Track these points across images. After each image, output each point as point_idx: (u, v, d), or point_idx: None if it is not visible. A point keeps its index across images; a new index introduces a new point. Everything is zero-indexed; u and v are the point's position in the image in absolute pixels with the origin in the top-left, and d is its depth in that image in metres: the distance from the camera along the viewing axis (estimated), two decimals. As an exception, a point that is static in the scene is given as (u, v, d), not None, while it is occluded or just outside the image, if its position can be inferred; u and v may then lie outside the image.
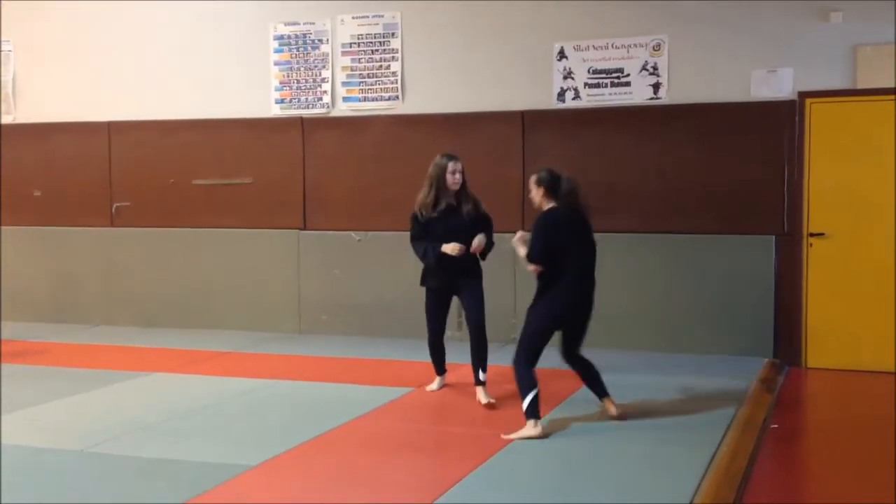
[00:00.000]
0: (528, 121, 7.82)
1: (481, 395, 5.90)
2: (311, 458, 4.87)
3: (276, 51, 8.55)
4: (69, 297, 9.20)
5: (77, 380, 6.77)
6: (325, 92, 8.43)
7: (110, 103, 9.03)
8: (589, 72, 7.66)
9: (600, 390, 5.55)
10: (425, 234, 5.92)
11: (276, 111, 8.60)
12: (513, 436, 5.08)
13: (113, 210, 9.06)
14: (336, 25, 8.35)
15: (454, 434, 5.33)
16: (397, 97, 8.22)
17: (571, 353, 5.53)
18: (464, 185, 5.95)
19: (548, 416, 5.46)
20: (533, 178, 5.48)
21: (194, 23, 8.77)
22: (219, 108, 8.73)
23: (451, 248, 5.83)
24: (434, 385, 6.27)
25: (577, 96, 7.70)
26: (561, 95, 7.75)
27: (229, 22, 8.67)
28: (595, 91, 7.67)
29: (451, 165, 5.89)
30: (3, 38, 9.30)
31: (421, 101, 8.16)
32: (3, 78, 9.35)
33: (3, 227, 9.29)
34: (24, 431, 5.39)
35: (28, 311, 9.20)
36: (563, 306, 5.33)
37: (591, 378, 5.55)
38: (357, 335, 8.21)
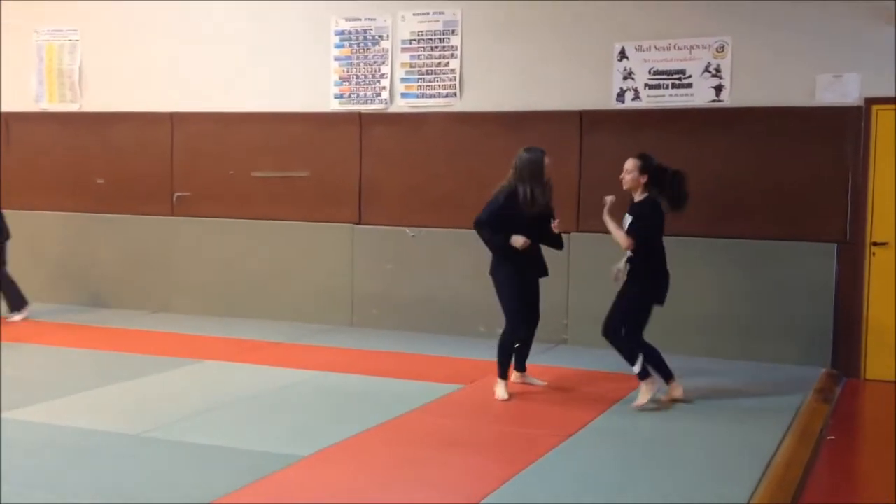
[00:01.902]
0: (587, 121, 7.77)
1: (533, 380, 6.21)
2: (362, 451, 4.90)
3: (337, 46, 8.61)
4: (129, 284, 9.36)
5: (134, 365, 6.90)
6: (383, 88, 8.47)
7: (173, 94, 9.17)
8: (650, 72, 7.58)
9: (667, 373, 5.85)
10: (499, 223, 5.94)
11: (334, 106, 8.66)
12: (640, 402, 5.68)
13: (174, 199, 9.20)
14: (396, 22, 8.38)
15: (505, 432, 5.32)
16: (455, 94, 8.23)
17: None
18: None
19: (604, 414, 5.49)
20: (637, 163, 5.80)
21: (257, 16, 8.87)
22: (279, 101, 8.82)
23: (520, 242, 5.87)
24: (502, 392, 5.95)
25: (636, 97, 7.63)
26: (620, 96, 7.68)
27: (291, 16, 8.75)
28: (655, 92, 7.59)
29: (547, 160, 6.01)
30: (71, 28, 9.48)
31: (479, 98, 8.15)
32: (70, 66, 9.54)
33: (67, 213, 9.47)
34: (81, 414, 5.52)
35: (88, 296, 9.38)
36: (662, 286, 5.84)
37: (659, 360, 5.83)
38: (408, 330, 8.23)
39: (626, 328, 5.76)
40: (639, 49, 7.60)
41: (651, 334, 5.73)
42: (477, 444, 5.12)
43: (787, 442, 5.14)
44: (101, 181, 9.45)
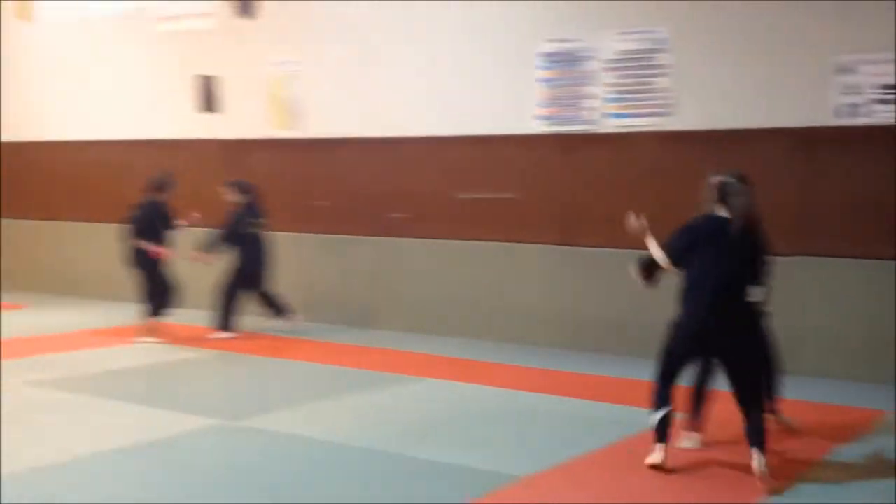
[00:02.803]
0: (805, 138, 7.48)
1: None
2: (582, 475, 4.91)
3: (541, 67, 8.72)
4: (347, 301, 9.82)
5: (353, 379, 7.26)
6: (589, 109, 8.50)
7: (387, 119, 9.58)
8: (878, 87, 7.19)
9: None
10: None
11: (539, 128, 8.77)
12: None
13: (389, 221, 9.60)
14: (603, 42, 8.40)
15: (731, 462, 5.16)
16: (664, 114, 8.14)
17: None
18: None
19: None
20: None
21: (464, 43, 9.13)
22: (485, 124, 9.03)
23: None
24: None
25: (862, 113, 7.26)
26: (844, 112, 7.33)
27: (498, 40, 8.95)
28: (884, 108, 7.17)
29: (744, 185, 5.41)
30: (295, 59, 10.11)
31: (689, 117, 8.02)
32: (293, 95, 10.16)
33: (294, 234, 10.03)
34: (307, 425, 5.86)
35: (310, 312, 9.87)
36: (682, 326, 5.11)
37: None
38: (615, 354, 8.14)
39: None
40: (865, 62, 7.22)
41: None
42: (703, 473, 4.99)
43: None
44: (322, 203, 9.98)
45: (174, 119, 10.93)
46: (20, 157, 12.12)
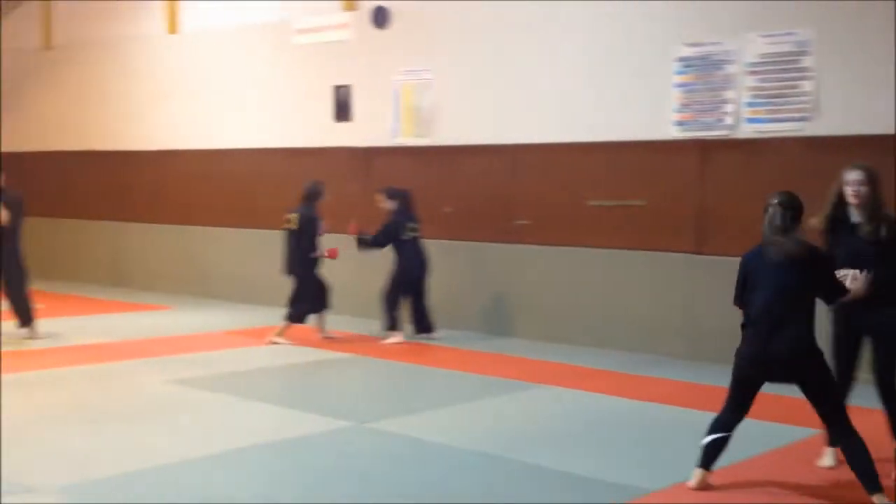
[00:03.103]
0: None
1: None
2: (715, 492, 4.73)
3: (678, 72, 8.50)
4: (468, 307, 9.83)
5: (481, 385, 7.25)
6: (727, 113, 8.23)
7: (515, 127, 9.55)
8: None
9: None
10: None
11: (674, 133, 8.55)
12: None
13: (514, 227, 9.56)
14: (743, 45, 8.12)
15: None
16: (807, 118, 7.79)
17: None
18: (871, 201, 4.98)
19: None
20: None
21: (597, 48, 9.01)
22: (617, 130, 8.87)
23: (849, 279, 4.83)
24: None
25: None
26: None
27: (632, 44, 8.78)
28: None
29: (851, 175, 5.04)
30: (425, 68, 10.21)
31: (834, 121, 7.66)
32: (422, 104, 10.27)
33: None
34: (439, 430, 5.86)
35: (438, 316, 9.91)
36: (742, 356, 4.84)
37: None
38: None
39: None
40: None
41: None
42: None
43: None
44: (448, 210, 10.04)
45: (309, 127, 11.21)
46: (164, 166, 12.69)
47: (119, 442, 5.47)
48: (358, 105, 10.77)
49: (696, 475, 4.72)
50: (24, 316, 8.69)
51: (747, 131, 8.13)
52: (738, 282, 4.81)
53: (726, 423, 4.72)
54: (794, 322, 4.53)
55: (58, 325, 9.46)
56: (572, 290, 9.14)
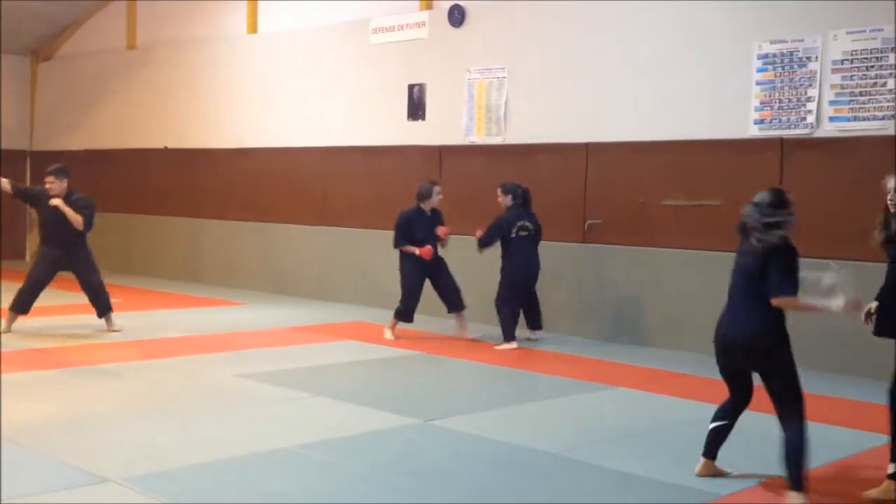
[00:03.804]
0: None
1: None
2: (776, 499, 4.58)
3: (759, 70, 8.28)
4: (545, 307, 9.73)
5: (547, 385, 7.17)
6: (809, 111, 7.98)
7: (590, 125, 9.43)
8: None
9: None
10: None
11: (753, 132, 8.33)
12: None
13: (585, 227, 9.43)
14: (828, 42, 7.86)
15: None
16: (893, 116, 7.50)
17: None
18: None
19: None
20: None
21: (675, 46, 8.83)
22: (693, 128, 8.69)
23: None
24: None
25: None
26: None
27: (712, 42, 8.59)
28: None
29: (890, 183, 4.83)
30: (499, 66, 10.15)
31: (921, 120, 7.36)
32: (497, 102, 10.22)
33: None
34: (504, 429, 5.81)
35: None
36: None
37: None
38: (822, 370, 7.57)
39: None
40: None
41: None
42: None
43: None
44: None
45: (382, 126, 11.26)
46: (239, 164, 12.89)
47: (187, 434, 5.55)
48: (431, 104, 10.77)
49: (700, 463, 4.83)
50: (103, 306, 8.91)
51: (829, 130, 7.87)
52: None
53: (722, 410, 4.85)
54: (750, 307, 4.60)
55: (134, 319, 9.69)
56: (645, 291, 8.98)
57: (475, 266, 9.48)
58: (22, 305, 8.62)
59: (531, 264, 8.75)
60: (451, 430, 5.73)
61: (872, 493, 4.65)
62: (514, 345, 8.53)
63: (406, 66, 10.98)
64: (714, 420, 4.84)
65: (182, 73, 13.73)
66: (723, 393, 6.83)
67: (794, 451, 4.42)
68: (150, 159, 14.05)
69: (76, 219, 8.48)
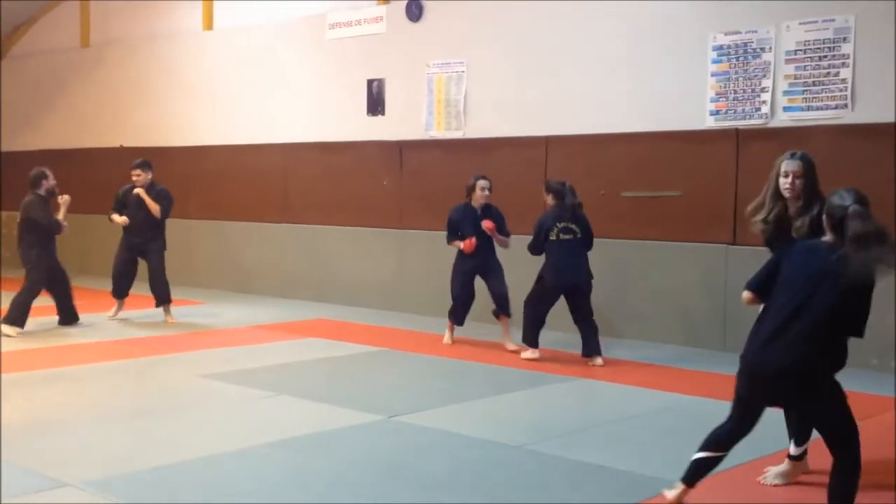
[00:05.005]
0: None
1: None
2: (736, 488, 4.64)
3: (714, 61, 8.37)
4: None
5: (513, 379, 7.19)
6: (763, 102, 8.09)
7: (549, 118, 9.47)
8: None
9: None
10: None
11: (709, 123, 8.42)
12: None
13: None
14: (780, 32, 7.97)
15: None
16: (846, 105, 7.63)
17: None
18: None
19: None
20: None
21: (633, 38, 8.89)
22: (650, 121, 8.77)
23: None
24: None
25: None
26: None
27: (667, 34, 8.67)
28: None
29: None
30: (458, 60, 10.15)
31: (873, 109, 7.49)
32: (456, 97, 10.22)
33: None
34: (468, 423, 5.83)
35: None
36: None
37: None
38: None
39: None
40: None
41: None
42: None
43: None
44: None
45: (341, 122, 11.21)
46: (198, 161, 12.77)
47: (149, 436, 5.50)
48: (391, 99, 10.75)
49: (677, 489, 4.05)
50: (163, 297, 9.64)
51: (784, 120, 7.98)
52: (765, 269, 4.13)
53: (720, 439, 4.06)
54: (810, 336, 3.76)
55: (93, 320, 9.58)
56: (607, 284, 9.04)
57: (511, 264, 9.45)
58: (117, 291, 9.72)
59: (571, 273, 7.64)
60: (415, 426, 5.73)
61: (772, 472, 4.68)
62: (535, 353, 7.76)
63: (364, 61, 10.94)
64: (707, 449, 4.04)
65: (138, 71, 13.56)
66: (684, 383, 6.95)
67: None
68: (106, 158, 13.86)
69: (154, 207, 9.38)
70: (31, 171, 8.98)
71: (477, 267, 8.33)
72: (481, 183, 8.29)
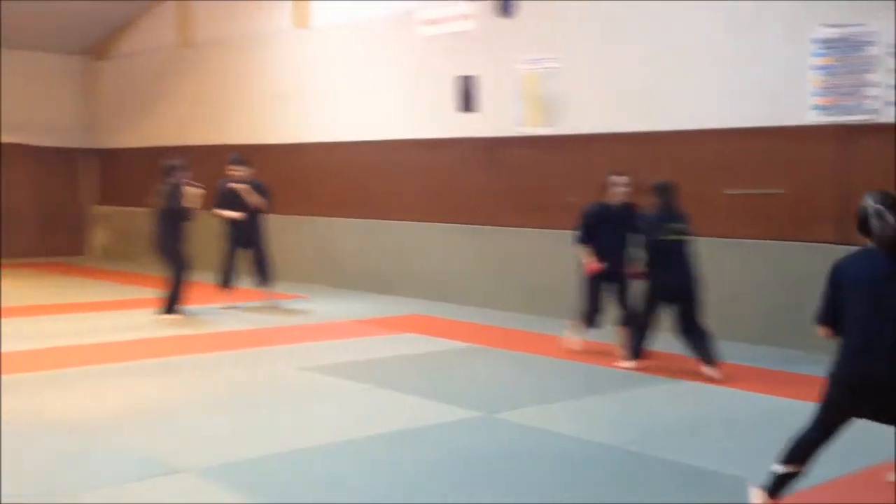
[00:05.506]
0: None
1: None
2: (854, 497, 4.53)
3: (817, 54, 8.14)
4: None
5: (611, 379, 7.15)
6: (870, 97, 7.83)
7: (643, 114, 9.35)
8: None
9: None
10: None
11: (812, 118, 8.20)
12: None
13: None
14: (886, 25, 7.70)
15: None
16: (957, 100, 7.34)
17: None
18: None
19: None
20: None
21: (730, 32, 8.71)
22: (750, 115, 8.57)
23: None
24: None
25: None
26: None
27: (767, 25, 8.46)
28: None
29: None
30: (551, 56, 10.10)
31: None
32: (547, 92, 10.16)
33: (539, 230, 10.08)
34: (567, 422, 5.82)
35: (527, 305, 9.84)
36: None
37: None
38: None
39: None
40: None
41: None
42: None
43: None
44: (572, 199, 9.90)
45: (434, 119, 11.27)
46: (292, 159, 13.00)
47: (254, 426, 5.66)
48: (483, 95, 10.76)
49: (759, 497, 4.06)
50: (266, 277, 10.36)
51: (891, 115, 7.72)
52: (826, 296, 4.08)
53: (804, 451, 4.06)
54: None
55: (198, 311, 9.85)
56: (705, 281, 8.89)
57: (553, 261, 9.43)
58: (223, 282, 10.36)
59: (677, 276, 7.22)
60: (514, 423, 5.74)
61: None
62: (631, 363, 7.41)
63: (458, 58, 10.96)
64: (791, 462, 4.04)
65: (235, 71, 13.88)
66: (793, 387, 6.77)
67: None
68: (201, 155, 14.22)
69: (259, 201, 10.17)
70: (163, 163, 9.50)
71: (607, 273, 7.80)
72: (617, 178, 7.86)
